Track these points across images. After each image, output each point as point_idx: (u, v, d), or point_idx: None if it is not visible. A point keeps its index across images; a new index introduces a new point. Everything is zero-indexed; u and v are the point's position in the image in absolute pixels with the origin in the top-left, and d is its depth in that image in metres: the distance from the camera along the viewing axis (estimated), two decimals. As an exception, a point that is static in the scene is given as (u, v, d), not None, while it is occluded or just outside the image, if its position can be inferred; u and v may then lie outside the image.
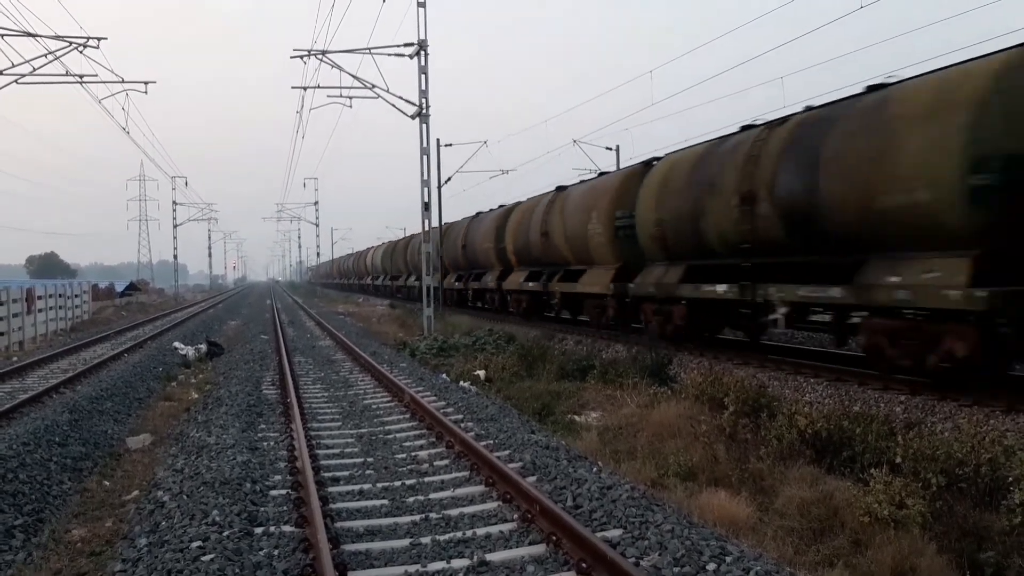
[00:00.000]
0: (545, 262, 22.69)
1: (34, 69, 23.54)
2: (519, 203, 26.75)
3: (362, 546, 5.76)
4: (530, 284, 23.71)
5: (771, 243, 12.46)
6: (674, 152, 16.71)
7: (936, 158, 9.22)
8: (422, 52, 22.88)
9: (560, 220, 21.12)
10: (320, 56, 23.77)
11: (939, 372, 9.66)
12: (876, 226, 10.18)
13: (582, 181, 22.43)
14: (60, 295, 30.15)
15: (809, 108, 12.45)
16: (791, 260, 12.20)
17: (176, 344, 21.10)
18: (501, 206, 29.03)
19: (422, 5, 22.65)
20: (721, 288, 13.73)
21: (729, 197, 13.19)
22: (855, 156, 10.45)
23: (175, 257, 70.61)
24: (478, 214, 31.94)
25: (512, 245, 25.44)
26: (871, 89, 10.95)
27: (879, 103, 10.47)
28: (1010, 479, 6.23)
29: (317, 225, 74.83)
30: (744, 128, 14.01)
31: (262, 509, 6.57)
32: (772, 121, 13.15)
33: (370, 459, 8.37)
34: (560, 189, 22.86)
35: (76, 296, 33.50)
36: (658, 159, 17.45)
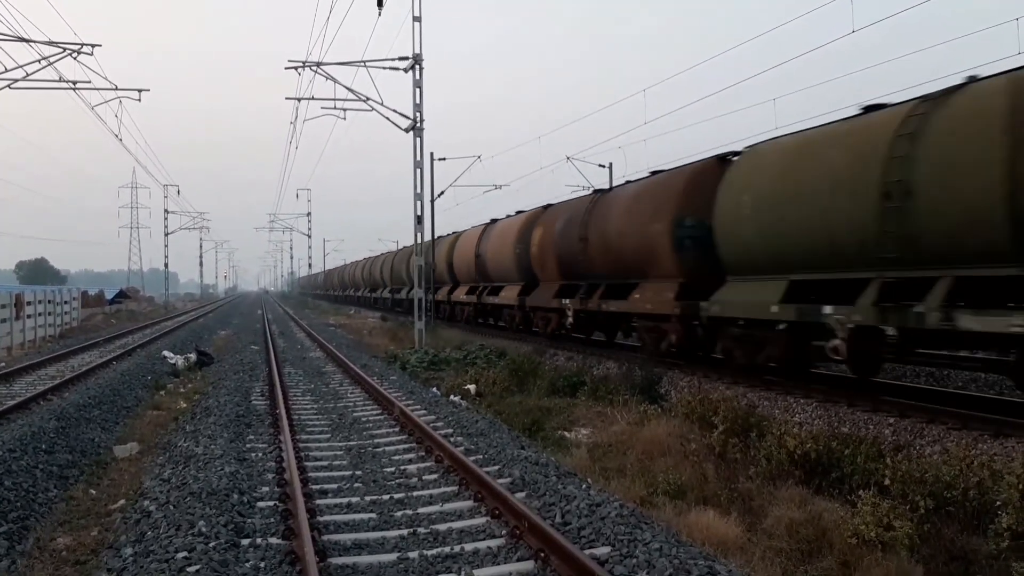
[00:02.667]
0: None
1: (27, 75, 23.53)
2: (742, 152, 14.34)
3: (349, 560, 5.74)
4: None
5: None
6: None
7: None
8: (417, 66, 22.95)
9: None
10: (315, 68, 23.83)
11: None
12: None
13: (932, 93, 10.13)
14: (49, 301, 30.01)
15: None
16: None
17: (165, 353, 21.03)
18: (656, 172, 17.54)
19: (417, 19, 22.76)
20: None
21: None
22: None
23: (166, 266, 70.41)
24: (600, 192, 20.33)
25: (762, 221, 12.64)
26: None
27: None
28: (997, 503, 6.25)
29: (309, 236, 74.81)
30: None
31: (249, 520, 6.54)
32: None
33: (359, 472, 8.34)
34: (871, 109, 11.38)
35: (65, 302, 33.34)
36: None
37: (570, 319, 20.47)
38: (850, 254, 10.92)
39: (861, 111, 11.59)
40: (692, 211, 14.92)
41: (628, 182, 19.20)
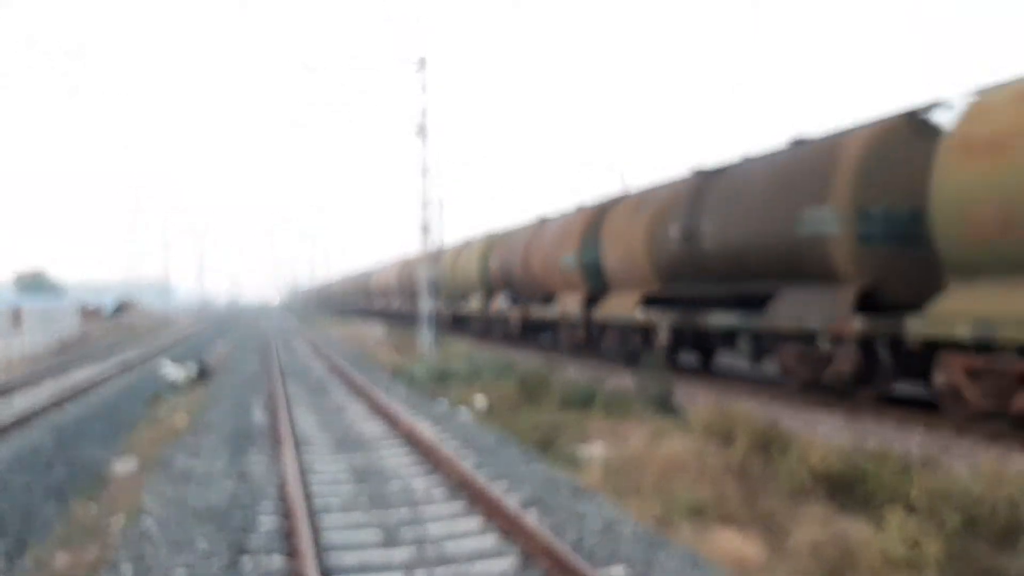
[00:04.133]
0: None
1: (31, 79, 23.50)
2: None
3: (355, 580, 5.53)
4: None
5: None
6: None
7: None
8: (423, 69, 22.77)
9: None
10: (320, 70, 23.75)
11: None
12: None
13: None
14: (48, 314, 29.91)
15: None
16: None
17: (165, 366, 20.81)
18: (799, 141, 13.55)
19: (423, 21, 22.72)
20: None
21: None
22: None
23: (166, 278, 70.47)
24: (707, 173, 15.64)
25: None
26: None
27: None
28: (1028, 520, 6.04)
29: (314, 245, 74.75)
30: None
31: (250, 538, 6.33)
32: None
33: (363, 488, 8.12)
34: None
35: (65, 316, 33.24)
36: None
37: (665, 336, 16.27)
38: None
39: None
40: (879, 189, 11.08)
41: (747, 159, 14.78)
